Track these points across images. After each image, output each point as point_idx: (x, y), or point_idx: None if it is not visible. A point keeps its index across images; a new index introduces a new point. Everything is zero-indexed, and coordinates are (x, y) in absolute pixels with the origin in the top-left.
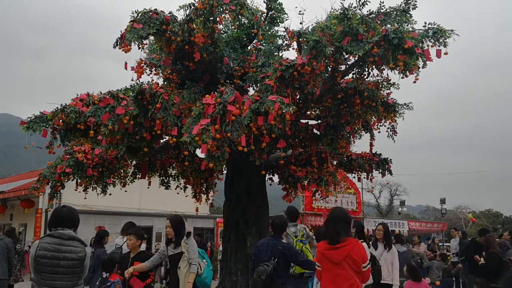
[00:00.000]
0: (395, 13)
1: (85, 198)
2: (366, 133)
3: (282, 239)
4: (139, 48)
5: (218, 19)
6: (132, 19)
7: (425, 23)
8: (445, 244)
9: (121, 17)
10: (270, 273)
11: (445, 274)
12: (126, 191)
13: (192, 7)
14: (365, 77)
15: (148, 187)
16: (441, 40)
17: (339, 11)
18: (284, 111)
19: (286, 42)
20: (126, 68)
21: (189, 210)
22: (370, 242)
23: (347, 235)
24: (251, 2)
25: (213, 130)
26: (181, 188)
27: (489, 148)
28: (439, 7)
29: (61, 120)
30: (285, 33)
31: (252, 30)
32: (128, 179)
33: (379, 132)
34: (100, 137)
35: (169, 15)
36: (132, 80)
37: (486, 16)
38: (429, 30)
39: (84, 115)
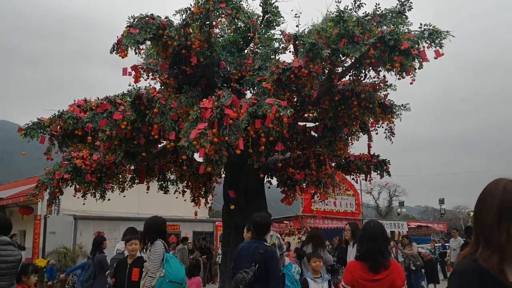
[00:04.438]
0: (390, 15)
1: (83, 204)
2: (364, 134)
3: (266, 241)
4: (135, 53)
5: (214, 23)
6: (128, 25)
7: (421, 24)
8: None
9: (118, 22)
10: (250, 281)
11: None
12: (124, 196)
13: (188, 11)
14: (362, 78)
15: (147, 192)
16: (437, 41)
17: (335, 13)
18: (281, 114)
19: (282, 45)
20: (125, 74)
21: (188, 214)
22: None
23: (389, 256)
24: (247, 5)
25: (211, 134)
26: (179, 192)
27: (488, 148)
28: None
29: (58, 127)
30: (281, 36)
31: (249, 34)
32: (127, 184)
33: (376, 133)
34: (98, 143)
35: (165, 20)
36: (129, 85)
37: (486, 16)
38: (425, 31)
39: (81, 121)
